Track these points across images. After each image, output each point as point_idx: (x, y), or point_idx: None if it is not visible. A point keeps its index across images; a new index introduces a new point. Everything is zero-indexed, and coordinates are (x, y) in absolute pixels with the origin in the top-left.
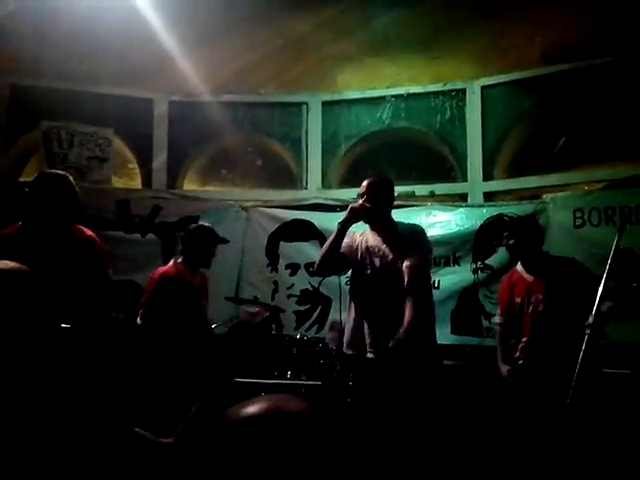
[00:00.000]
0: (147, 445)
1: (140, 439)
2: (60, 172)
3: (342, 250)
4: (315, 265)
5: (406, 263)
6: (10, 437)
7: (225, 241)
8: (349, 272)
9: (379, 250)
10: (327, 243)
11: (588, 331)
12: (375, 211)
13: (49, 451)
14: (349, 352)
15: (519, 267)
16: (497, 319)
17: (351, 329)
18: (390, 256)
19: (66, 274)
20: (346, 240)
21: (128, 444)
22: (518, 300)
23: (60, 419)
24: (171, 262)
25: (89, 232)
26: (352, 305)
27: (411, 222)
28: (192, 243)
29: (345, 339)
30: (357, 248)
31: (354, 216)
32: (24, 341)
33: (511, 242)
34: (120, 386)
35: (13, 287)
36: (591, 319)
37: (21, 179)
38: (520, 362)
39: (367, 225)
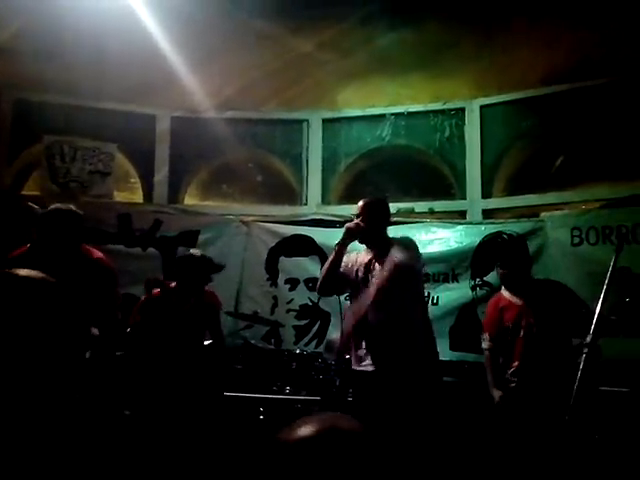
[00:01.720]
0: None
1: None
2: (72, 208)
3: (342, 270)
4: (317, 286)
5: (390, 259)
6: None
7: (219, 268)
8: None
9: (373, 268)
10: (326, 264)
11: (586, 350)
12: (370, 231)
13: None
14: (356, 368)
15: (505, 292)
16: (485, 344)
17: (354, 347)
18: (379, 267)
19: (77, 294)
20: (345, 260)
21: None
22: (509, 325)
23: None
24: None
25: (98, 253)
26: (351, 324)
27: (405, 235)
28: (180, 271)
29: (351, 356)
30: (352, 267)
31: (350, 236)
32: (50, 349)
33: (502, 272)
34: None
35: (43, 296)
36: (589, 338)
37: (23, 192)
38: (513, 385)
39: (363, 245)
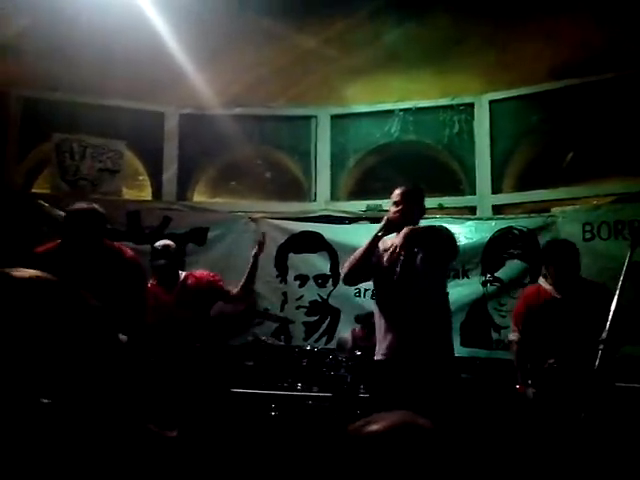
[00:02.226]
0: (153, 438)
1: (147, 433)
2: (93, 206)
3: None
4: (343, 274)
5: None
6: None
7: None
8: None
9: (395, 247)
10: (358, 252)
11: (602, 346)
12: (409, 221)
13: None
14: (379, 357)
15: (546, 285)
16: (513, 336)
17: (380, 337)
18: (418, 259)
19: (109, 290)
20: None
21: (137, 438)
22: (546, 319)
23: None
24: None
25: (130, 252)
26: (380, 313)
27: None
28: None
29: (377, 348)
30: (379, 255)
31: (391, 227)
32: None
33: (558, 271)
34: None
35: (42, 296)
36: (605, 334)
37: (33, 190)
38: (547, 383)
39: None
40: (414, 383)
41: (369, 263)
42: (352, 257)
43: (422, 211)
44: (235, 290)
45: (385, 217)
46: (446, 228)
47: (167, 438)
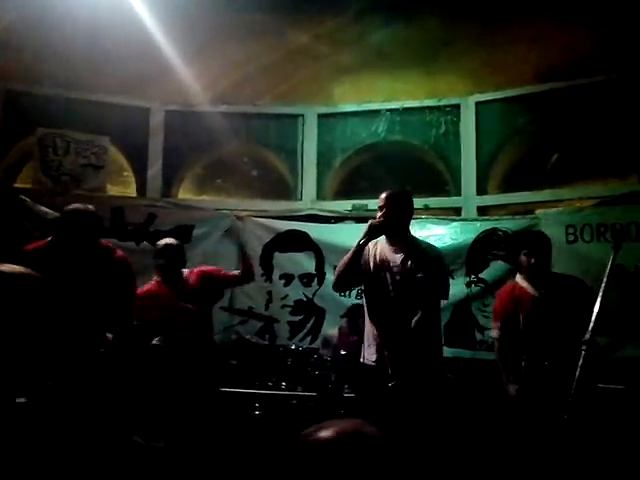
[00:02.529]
0: (140, 450)
1: (134, 444)
2: (89, 208)
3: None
4: (333, 281)
5: (422, 289)
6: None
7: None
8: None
9: (394, 265)
10: (345, 260)
11: (584, 347)
12: (394, 225)
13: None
14: (366, 362)
15: (522, 281)
16: (494, 333)
17: (366, 341)
18: (407, 272)
19: (97, 289)
20: None
21: (124, 449)
22: (523, 315)
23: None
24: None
25: (120, 252)
26: (367, 318)
27: (434, 247)
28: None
29: (363, 351)
30: (370, 260)
31: (373, 233)
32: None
33: (532, 260)
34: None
35: (19, 290)
36: (588, 335)
37: (15, 185)
38: (525, 381)
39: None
40: (402, 390)
41: (357, 269)
42: (340, 264)
43: (410, 214)
44: (237, 272)
45: (368, 222)
46: (441, 260)
47: (154, 448)
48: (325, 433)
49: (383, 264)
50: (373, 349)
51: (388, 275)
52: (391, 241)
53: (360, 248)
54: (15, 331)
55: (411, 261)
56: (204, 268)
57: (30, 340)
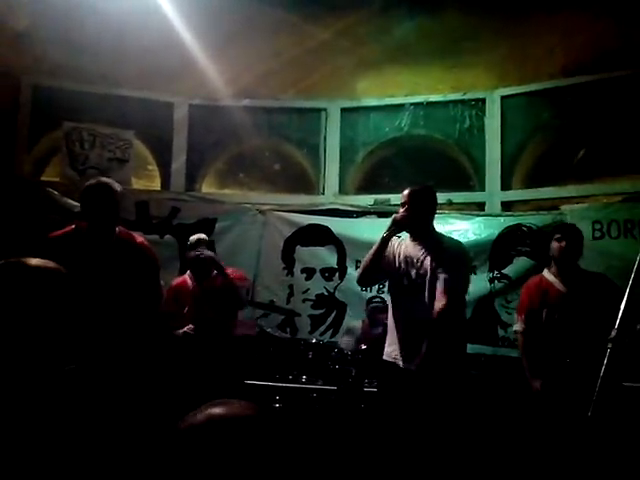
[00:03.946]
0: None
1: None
2: (107, 181)
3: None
4: (357, 276)
5: (441, 284)
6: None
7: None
8: None
9: (417, 261)
10: (369, 255)
11: (610, 345)
12: (417, 221)
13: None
14: (386, 359)
15: (549, 275)
16: (518, 326)
17: (389, 338)
18: (429, 268)
19: (120, 277)
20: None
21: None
22: (547, 310)
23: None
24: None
25: (140, 238)
26: (390, 315)
27: (458, 242)
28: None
29: (387, 348)
30: (394, 256)
31: (397, 228)
32: (53, 342)
33: (562, 244)
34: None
35: (48, 285)
36: (614, 333)
37: (43, 178)
38: (554, 375)
39: (407, 233)
40: (422, 389)
41: (380, 265)
42: (364, 259)
43: (432, 210)
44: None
45: (392, 217)
46: (465, 256)
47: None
48: (193, 418)
49: (406, 260)
50: (394, 347)
51: (411, 271)
52: (414, 237)
53: (384, 242)
54: (45, 324)
55: (431, 257)
56: (235, 274)
57: (61, 330)
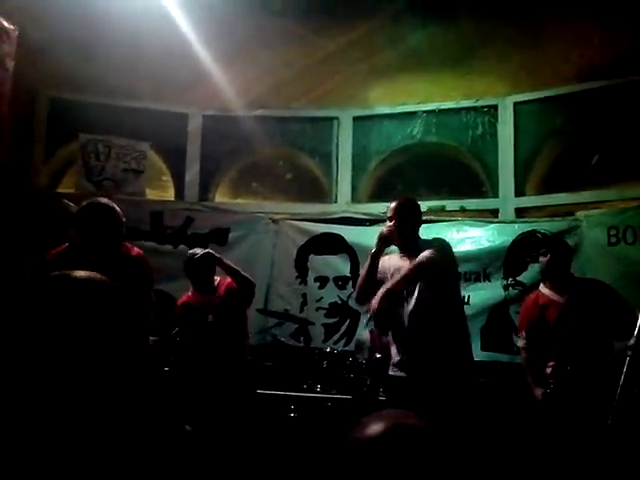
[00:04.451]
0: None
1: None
2: (107, 202)
3: (378, 275)
4: (355, 295)
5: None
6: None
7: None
8: None
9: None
10: (362, 273)
11: (630, 352)
12: (404, 234)
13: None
14: (391, 373)
15: (545, 289)
16: (521, 343)
17: (394, 352)
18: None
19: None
20: (380, 265)
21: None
22: (550, 323)
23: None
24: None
25: (136, 250)
26: (392, 330)
27: (439, 237)
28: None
29: (391, 360)
30: (387, 271)
31: (384, 243)
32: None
33: (547, 257)
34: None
35: (104, 298)
36: (632, 341)
37: (59, 190)
38: (552, 386)
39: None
40: (428, 400)
41: (375, 281)
42: (359, 279)
43: (417, 222)
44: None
45: (378, 233)
46: (444, 244)
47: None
48: (370, 430)
49: (396, 273)
50: (396, 360)
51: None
52: (402, 250)
53: (374, 259)
54: (97, 339)
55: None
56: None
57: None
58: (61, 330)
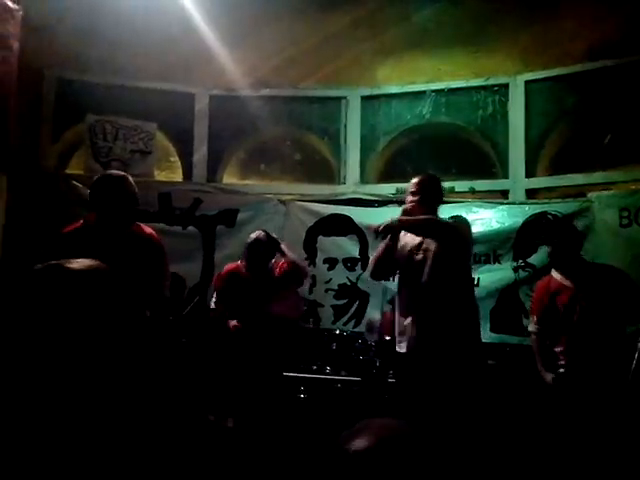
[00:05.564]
0: (212, 428)
1: (207, 423)
2: (121, 174)
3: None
4: (370, 270)
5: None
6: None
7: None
8: None
9: (423, 242)
10: (380, 248)
11: None
12: (426, 210)
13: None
14: (399, 350)
15: (556, 274)
16: (532, 327)
17: (397, 325)
18: (432, 252)
19: (128, 271)
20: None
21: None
22: (561, 308)
23: (141, 410)
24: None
25: (149, 229)
26: (399, 307)
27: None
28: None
29: (397, 338)
30: (404, 248)
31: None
32: (115, 338)
33: (551, 250)
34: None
35: (99, 286)
36: None
37: (67, 171)
38: (562, 370)
39: None
40: (436, 376)
41: (392, 257)
42: (375, 252)
43: (439, 198)
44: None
45: (402, 208)
46: (464, 226)
47: (225, 428)
48: (360, 443)
49: (416, 251)
50: (405, 337)
51: (417, 255)
52: None
53: (393, 235)
54: (89, 325)
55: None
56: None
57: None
58: (56, 322)
